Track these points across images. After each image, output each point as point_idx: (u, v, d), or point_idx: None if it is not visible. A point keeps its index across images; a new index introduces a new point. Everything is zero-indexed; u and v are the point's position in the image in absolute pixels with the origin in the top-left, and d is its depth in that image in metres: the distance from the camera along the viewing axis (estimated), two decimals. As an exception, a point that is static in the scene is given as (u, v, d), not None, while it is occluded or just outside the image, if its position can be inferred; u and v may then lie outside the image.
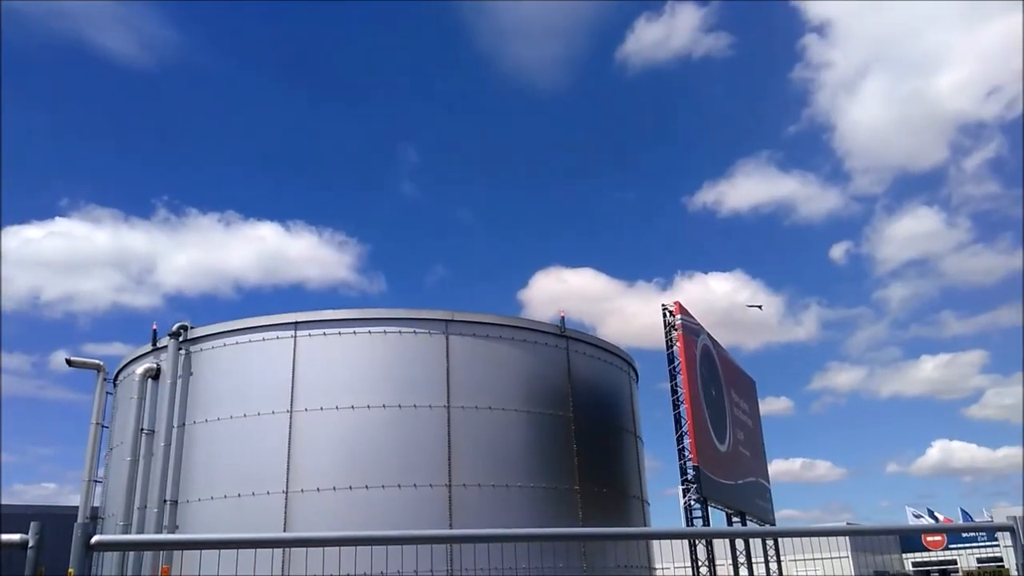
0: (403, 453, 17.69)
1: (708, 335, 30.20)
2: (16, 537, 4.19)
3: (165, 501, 17.37)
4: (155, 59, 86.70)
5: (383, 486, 17.13)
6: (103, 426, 21.01)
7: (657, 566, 21.71)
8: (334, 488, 16.96)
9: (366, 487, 17.05)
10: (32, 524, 4.25)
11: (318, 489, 16.93)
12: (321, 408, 17.85)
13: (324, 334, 18.66)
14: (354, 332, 18.75)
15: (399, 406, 18.05)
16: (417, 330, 19.00)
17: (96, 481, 20.68)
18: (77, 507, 23.82)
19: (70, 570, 4.28)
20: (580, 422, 20.15)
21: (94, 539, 4.28)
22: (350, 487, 16.99)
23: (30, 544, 4.15)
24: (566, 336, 21.21)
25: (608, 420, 21.89)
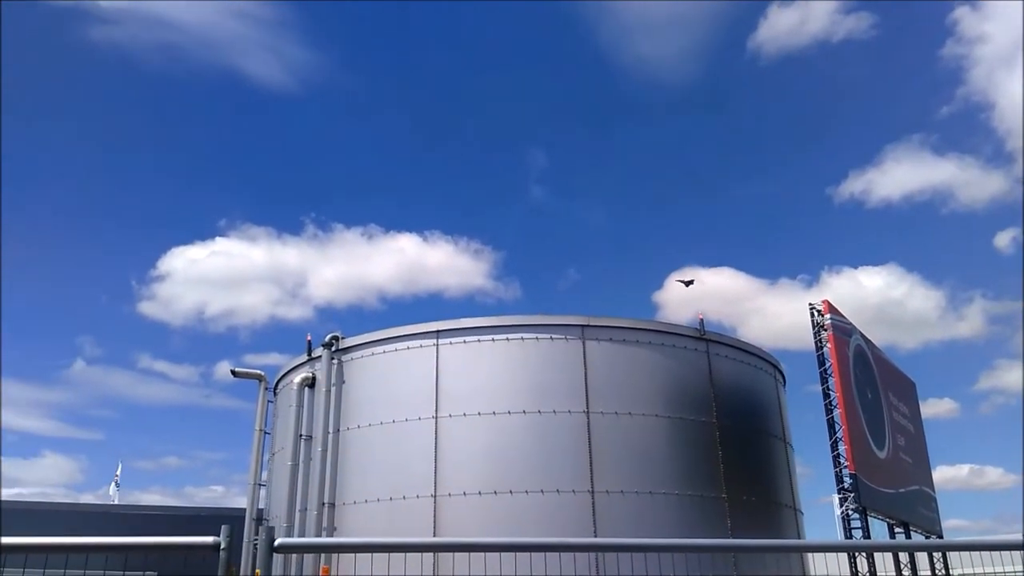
0: (544, 459, 17.80)
1: (861, 334, 28.47)
2: (209, 539, 4.54)
3: (324, 504, 18.35)
4: (297, 81, 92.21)
5: (526, 491, 17.31)
6: (266, 432, 22.51)
7: (813, 578, 20.64)
8: (479, 493, 17.31)
9: (510, 492, 17.29)
10: (223, 527, 4.59)
11: (464, 493, 17.34)
12: (464, 414, 18.28)
13: (464, 341, 19.11)
14: (492, 339, 19.09)
15: (539, 412, 18.20)
16: (554, 336, 19.09)
17: (261, 485, 22.16)
18: (242, 508, 25.63)
19: (257, 571, 4.58)
20: (725, 428, 19.53)
21: (278, 541, 4.57)
22: (494, 492, 17.29)
23: (222, 546, 4.48)
24: (706, 339, 20.65)
25: (755, 426, 21.09)
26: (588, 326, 19.10)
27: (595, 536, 16.49)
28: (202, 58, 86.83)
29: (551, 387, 18.42)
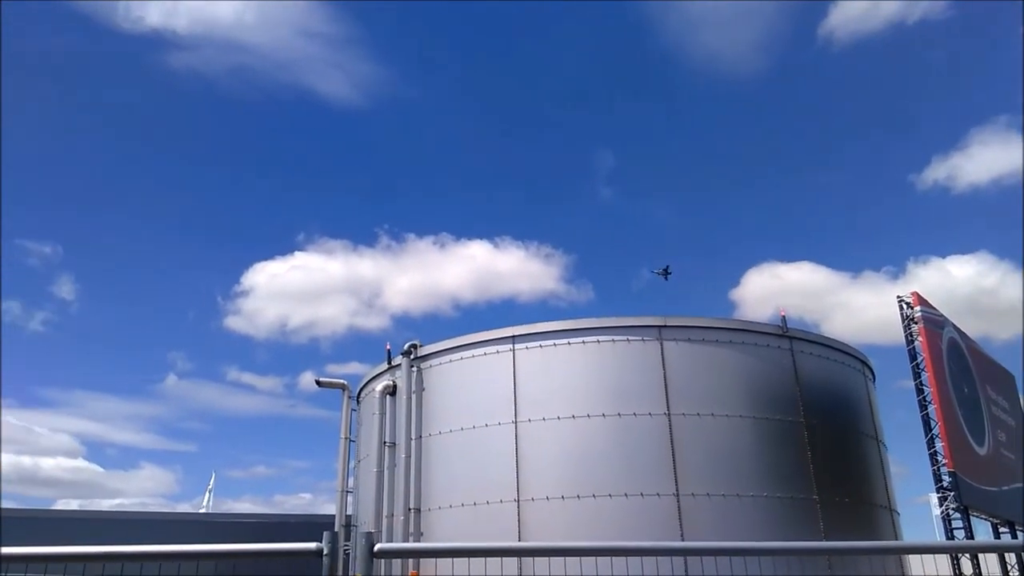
0: (626, 462, 17.64)
1: (954, 326, 27.20)
2: (312, 545, 4.67)
3: (410, 509, 18.66)
4: (364, 96, 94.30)
5: (609, 495, 17.18)
6: (351, 440, 23.04)
7: (913, 582, 19.79)
8: (562, 497, 17.28)
9: (593, 496, 17.20)
10: (324, 533, 4.73)
11: (547, 498, 17.35)
12: (543, 419, 18.29)
13: (540, 346, 19.13)
14: (568, 343, 19.05)
15: (618, 415, 18.05)
16: (631, 338, 18.91)
17: (348, 492, 22.69)
18: (330, 515, 26.27)
19: (357, 574, 4.70)
20: (813, 427, 18.95)
21: (377, 547, 4.67)
22: (577, 496, 17.23)
23: (324, 552, 4.60)
24: (789, 336, 20.09)
25: (844, 424, 20.39)
26: (665, 327, 18.85)
27: (682, 539, 16.23)
28: (274, 78, 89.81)
29: (630, 390, 18.25)
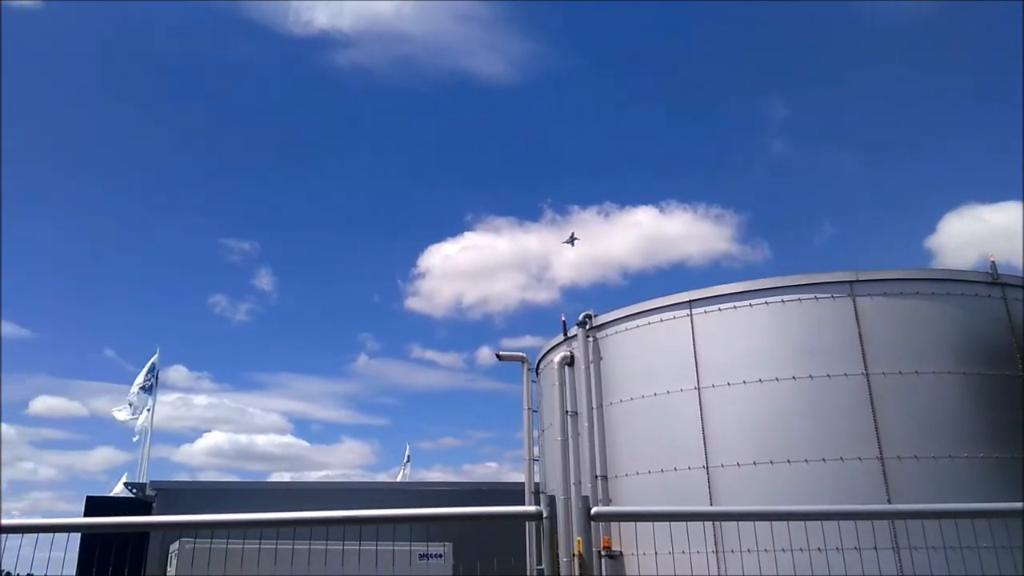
0: (822, 426, 16.83)
1: None
2: (532, 508, 4.89)
3: (596, 477, 18.93)
4: (519, 73, 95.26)
5: (805, 460, 16.49)
6: (533, 410, 23.68)
7: None
8: (754, 463, 16.81)
9: (787, 461, 16.59)
10: (543, 497, 4.93)
11: (738, 464, 16.94)
12: (728, 384, 17.82)
13: (719, 309, 18.60)
14: (750, 304, 18.37)
15: (810, 376, 17.22)
16: (819, 295, 17.92)
17: (535, 460, 23.39)
18: (516, 483, 27.19)
19: (578, 538, 4.86)
20: (1035, 381, 17.12)
21: (594, 510, 4.81)
22: (771, 462, 16.69)
23: (544, 515, 4.80)
24: (1001, 283, 18.18)
25: (1073, 376, 18.23)
26: (857, 281, 17.68)
27: (888, 504, 15.31)
28: (434, 65, 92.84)
29: (821, 350, 17.34)
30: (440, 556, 23.69)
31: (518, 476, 26.11)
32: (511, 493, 29.96)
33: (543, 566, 4.60)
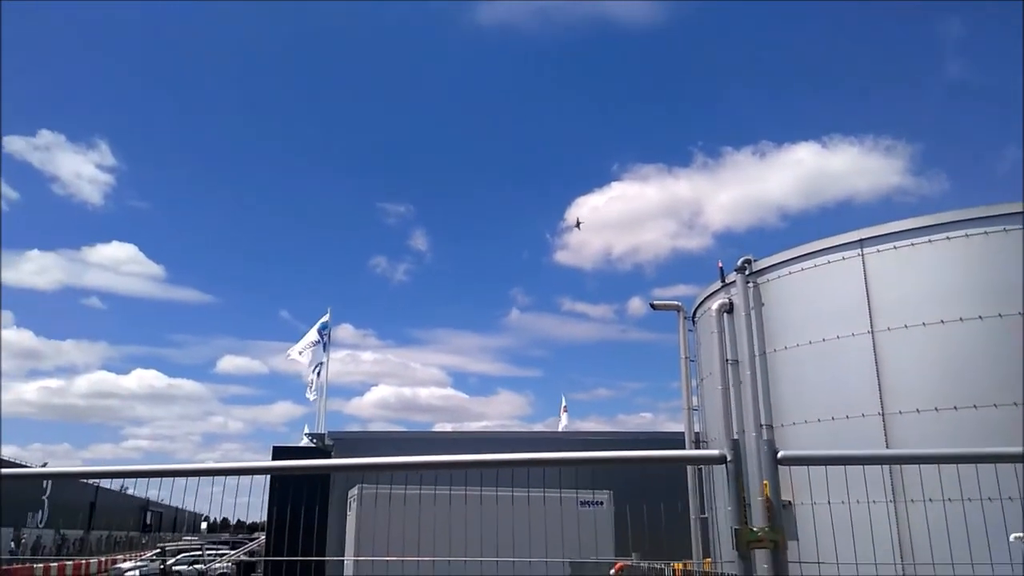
0: (1013, 368, 15.44)
1: None
2: (715, 452, 4.89)
3: (762, 426, 18.45)
4: (656, 11, 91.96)
5: (995, 405, 15.26)
6: (690, 360, 23.35)
7: None
8: (935, 409, 15.76)
9: (974, 407, 15.41)
10: (728, 440, 4.91)
11: (917, 411, 15.94)
12: (904, 326, 16.72)
13: (895, 247, 17.38)
14: (929, 240, 17.02)
15: (999, 315, 15.81)
16: (1008, 227, 16.33)
17: (693, 410, 23.13)
18: (675, 432, 27.03)
19: (764, 482, 4.81)
20: None
21: (781, 454, 4.74)
22: (954, 407, 15.57)
23: (728, 459, 4.79)
24: None
25: None
26: (1053, 209, 15.93)
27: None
28: (572, 11, 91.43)
29: (1011, 287, 15.84)
30: (601, 503, 24.09)
31: (674, 425, 26.03)
32: (670, 442, 29.85)
33: (730, 507, 4.61)
